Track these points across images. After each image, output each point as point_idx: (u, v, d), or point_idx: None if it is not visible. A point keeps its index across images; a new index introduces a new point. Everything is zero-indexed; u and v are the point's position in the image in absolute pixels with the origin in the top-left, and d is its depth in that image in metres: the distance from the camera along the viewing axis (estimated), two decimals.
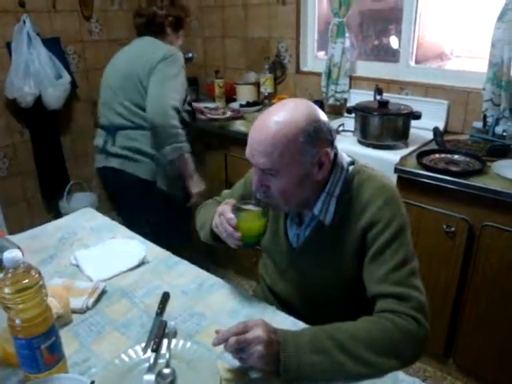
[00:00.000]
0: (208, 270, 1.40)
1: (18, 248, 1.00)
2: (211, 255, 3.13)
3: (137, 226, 1.70)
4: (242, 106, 2.96)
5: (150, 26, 2.18)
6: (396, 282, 1.04)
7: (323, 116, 1.10)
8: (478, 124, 2.20)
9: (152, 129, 2.04)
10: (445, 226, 1.86)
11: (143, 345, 1.05)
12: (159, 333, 1.08)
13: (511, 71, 2.04)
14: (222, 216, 1.16)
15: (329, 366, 0.93)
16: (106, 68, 2.28)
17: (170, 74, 2.04)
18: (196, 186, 2.22)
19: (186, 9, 2.35)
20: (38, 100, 2.88)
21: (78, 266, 1.41)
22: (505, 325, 1.83)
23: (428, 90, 2.42)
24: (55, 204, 3.27)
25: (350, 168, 1.18)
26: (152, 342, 1.04)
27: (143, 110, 2.04)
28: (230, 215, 1.14)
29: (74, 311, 1.19)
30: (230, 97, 3.14)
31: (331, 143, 1.12)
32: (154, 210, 2.15)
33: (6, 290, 0.84)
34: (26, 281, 0.86)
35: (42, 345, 0.88)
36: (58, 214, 3.13)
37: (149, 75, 2.03)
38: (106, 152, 2.15)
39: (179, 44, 2.28)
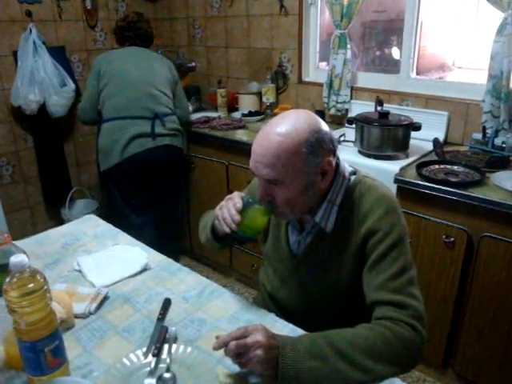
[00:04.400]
0: (208, 277, 1.41)
1: (24, 253, 1.02)
2: (211, 263, 3.15)
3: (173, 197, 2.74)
4: (243, 115, 2.98)
5: (146, 39, 2.74)
6: (394, 290, 1.06)
7: (325, 126, 1.12)
8: (478, 135, 2.22)
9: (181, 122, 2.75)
10: (444, 237, 1.88)
11: (144, 349, 1.07)
12: (160, 338, 1.09)
13: (510, 84, 2.07)
14: (229, 200, 1.18)
15: (327, 372, 0.94)
16: (115, 68, 2.55)
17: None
18: None
19: None
20: (43, 107, 2.91)
21: (80, 271, 1.43)
22: (504, 335, 1.84)
23: (428, 102, 2.44)
24: (57, 210, 3.29)
25: (352, 178, 1.20)
26: (153, 347, 1.06)
27: (171, 100, 2.66)
28: (239, 199, 1.16)
29: (77, 316, 1.21)
30: (232, 106, 3.17)
31: (333, 152, 1.14)
32: (182, 171, 2.81)
33: (12, 294, 0.86)
34: (32, 285, 0.87)
35: (45, 348, 0.90)
36: (60, 221, 3.15)
37: (173, 83, 2.69)
38: (155, 135, 2.52)
39: None
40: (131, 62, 2.58)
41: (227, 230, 1.15)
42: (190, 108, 3.00)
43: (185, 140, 2.77)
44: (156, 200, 2.75)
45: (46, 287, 0.90)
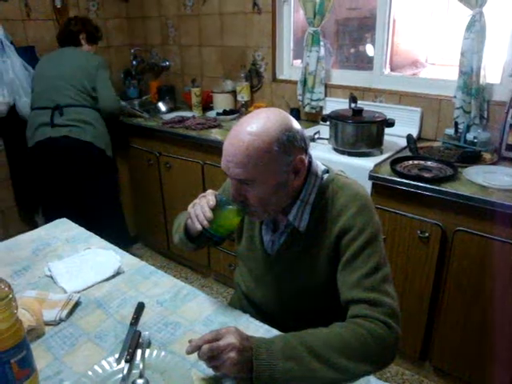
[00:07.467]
0: (186, 278, 1.39)
1: None
2: (189, 263, 3.12)
3: (83, 188, 2.69)
4: (218, 114, 2.96)
5: (68, 40, 2.80)
6: (368, 288, 1.06)
7: (296, 124, 1.11)
8: (450, 131, 2.25)
9: (106, 114, 2.76)
10: (419, 232, 1.89)
11: (117, 356, 1.04)
12: (133, 343, 1.07)
13: (480, 79, 2.09)
14: (203, 197, 1.16)
15: (301, 373, 0.94)
16: (38, 67, 2.77)
17: (107, 76, 2.77)
18: None
19: (97, 27, 2.93)
20: (13, 109, 2.84)
21: (51, 277, 1.39)
22: (479, 327, 1.86)
23: (402, 98, 2.46)
24: (31, 215, 3.22)
25: (325, 176, 1.19)
26: (126, 353, 1.04)
27: (86, 94, 2.68)
28: (212, 197, 1.14)
29: (48, 323, 1.18)
30: (206, 105, 3.14)
31: (305, 150, 1.13)
32: (97, 167, 2.73)
33: None
34: None
35: (11, 359, 0.86)
36: (33, 225, 3.07)
37: (90, 76, 2.69)
38: (53, 125, 2.58)
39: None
40: (53, 60, 2.76)
41: (199, 227, 1.13)
42: (118, 101, 2.86)
43: (104, 136, 2.74)
44: (76, 198, 2.77)
45: (10, 296, 0.87)
